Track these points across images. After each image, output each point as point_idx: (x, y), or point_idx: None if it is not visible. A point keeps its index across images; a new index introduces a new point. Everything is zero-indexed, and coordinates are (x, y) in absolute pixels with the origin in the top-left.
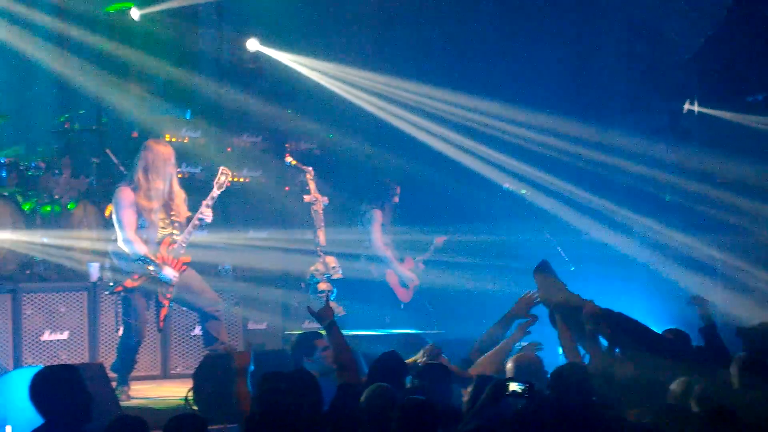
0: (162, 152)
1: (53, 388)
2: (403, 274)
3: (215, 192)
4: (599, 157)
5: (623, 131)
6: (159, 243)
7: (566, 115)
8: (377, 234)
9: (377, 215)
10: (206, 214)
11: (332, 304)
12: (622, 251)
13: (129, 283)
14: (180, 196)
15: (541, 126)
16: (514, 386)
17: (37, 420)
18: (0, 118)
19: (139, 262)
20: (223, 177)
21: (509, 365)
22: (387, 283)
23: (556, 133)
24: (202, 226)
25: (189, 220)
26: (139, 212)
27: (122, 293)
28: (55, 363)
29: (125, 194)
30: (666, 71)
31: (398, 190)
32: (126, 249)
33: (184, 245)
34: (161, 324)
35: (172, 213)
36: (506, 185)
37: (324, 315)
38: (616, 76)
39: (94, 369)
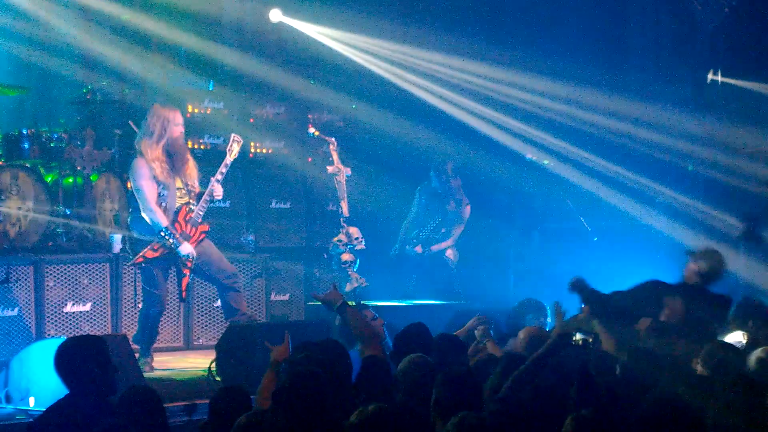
0: (166, 116)
1: (79, 358)
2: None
3: (228, 160)
4: (622, 127)
5: (647, 101)
6: (177, 212)
7: (590, 85)
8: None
9: (467, 212)
10: (217, 191)
11: (354, 274)
12: (645, 221)
13: (149, 253)
14: (191, 164)
15: (565, 96)
16: (578, 337)
17: (61, 391)
18: (21, 91)
19: (160, 234)
20: (236, 145)
21: (521, 335)
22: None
23: (580, 103)
24: (214, 201)
25: (199, 195)
26: (158, 180)
27: (143, 264)
28: (78, 334)
29: (142, 163)
30: (690, 41)
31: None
32: (148, 218)
33: (201, 213)
34: (183, 294)
35: (189, 184)
36: (529, 155)
37: (332, 299)
38: (640, 46)
39: (116, 340)
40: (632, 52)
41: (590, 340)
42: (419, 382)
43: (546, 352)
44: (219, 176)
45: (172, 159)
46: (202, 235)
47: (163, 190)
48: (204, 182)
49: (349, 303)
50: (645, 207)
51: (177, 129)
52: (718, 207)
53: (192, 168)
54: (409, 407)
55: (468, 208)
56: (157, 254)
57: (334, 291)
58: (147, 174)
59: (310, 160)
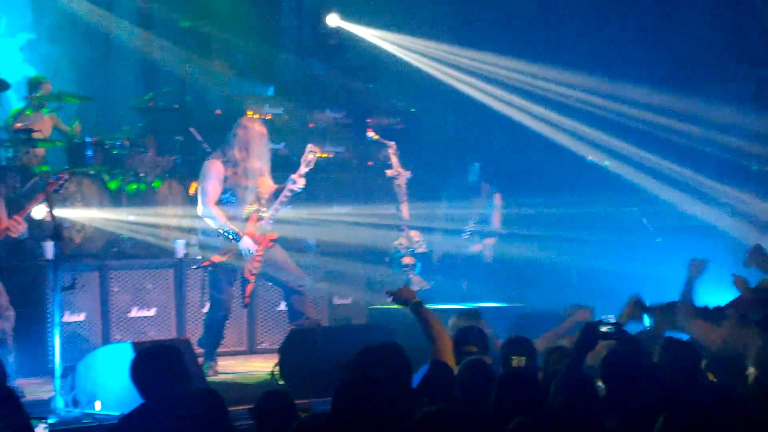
0: (258, 131)
1: (154, 368)
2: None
3: (303, 169)
4: (684, 127)
5: (708, 100)
6: (246, 219)
7: (650, 85)
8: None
9: (497, 199)
10: (299, 183)
11: (416, 278)
12: (708, 221)
13: (216, 258)
14: (268, 178)
15: (626, 97)
16: (605, 328)
17: (126, 396)
18: (84, 100)
19: (219, 232)
20: (311, 155)
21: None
22: (473, 254)
23: (641, 103)
24: (290, 200)
25: (275, 194)
26: (231, 188)
27: (209, 268)
28: (143, 339)
29: (215, 166)
30: (752, 38)
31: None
32: (203, 216)
33: (271, 221)
34: (247, 300)
35: (260, 192)
36: (590, 157)
37: (406, 297)
38: (701, 44)
39: (181, 344)
40: (693, 50)
41: (615, 327)
42: (477, 385)
43: (578, 346)
44: (287, 193)
45: (253, 168)
46: (271, 243)
47: (231, 196)
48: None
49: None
50: (708, 206)
51: (264, 141)
52: None
53: (266, 179)
54: (467, 410)
55: (497, 196)
56: (223, 259)
57: (408, 287)
58: (215, 176)
59: (370, 163)
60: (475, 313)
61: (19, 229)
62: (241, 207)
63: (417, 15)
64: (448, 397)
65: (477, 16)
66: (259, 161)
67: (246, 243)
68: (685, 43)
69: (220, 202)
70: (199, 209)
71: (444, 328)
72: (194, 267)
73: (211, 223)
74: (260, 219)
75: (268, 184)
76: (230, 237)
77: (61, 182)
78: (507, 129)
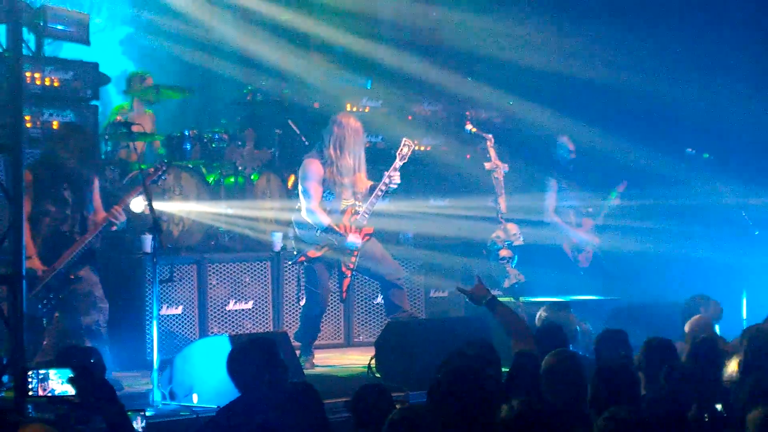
0: (353, 127)
1: (251, 362)
2: (581, 237)
3: (398, 163)
4: None
5: None
6: (342, 213)
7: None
8: (550, 203)
9: (552, 183)
10: (394, 178)
11: (513, 270)
12: None
13: (312, 253)
14: (364, 174)
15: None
16: None
17: (223, 389)
18: (185, 94)
19: (324, 233)
20: (406, 148)
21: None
22: (562, 253)
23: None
24: (387, 193)
25: (371, 189)
26: (327, 185)
27: (305, 263)
28: (240, 332)
29: (314, 166)
30: None
31: (564, 139)
32: (310, 219)
33: (366, 215)
34: (344, 294)
35: (356, 188)
36: (689, 149)
37: (480, 295)
38: None
39: (278, 338)
40: None
41: None
42: (565, 377)
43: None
44: (383, 187)
45: (347, 165)
46: (367, 237)
47: (329, 194)
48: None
49: (506, 299)
50: None
51: (359, 138)
52: None
53: (363, 176)
54: (555, 402)
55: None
56: (319, 254)
57: (480, 285)
58: (316, 176)
59: (468, 156)
60: (565, 306)
61: (119, 219)
62: (337, 202)
63: (516, 5)
64: (535, 389)
65: (576, 6)
66: (353, 159)
67: (352, 238)
68: None
69: (320, 202)
70: (303, 212)
71: (522, 321)
72: (290, 262)
73: (315, 223)
74: (356, 213)
75: (363, 181)
76: (335, 237)
77: (159, 173)
78: (605, 120)
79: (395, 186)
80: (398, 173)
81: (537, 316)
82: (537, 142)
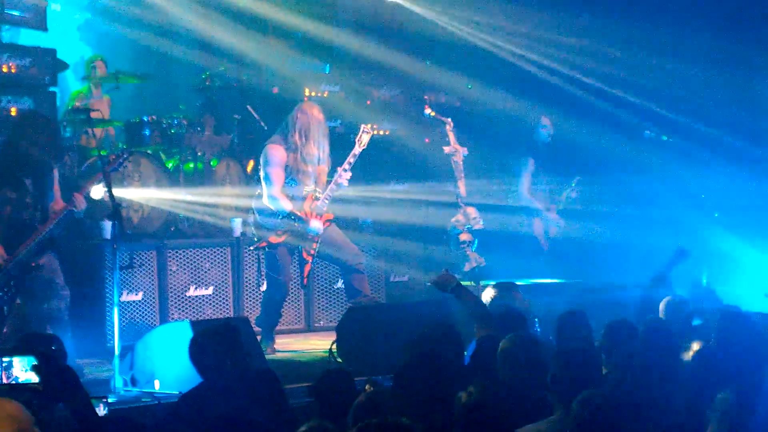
0: (316, 116)
1: (213, 348)
2: (552, 219)
3: (357, 150)
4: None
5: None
6: (303, 199)
7: (711, 61)
8: (525, 183)
9: (529, 163)
10: (344, 177)
11: (473, 254)
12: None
13: (273, 238)
14: (327, 164)
15: (683, 71)
16: None
17: (184, 375)
18: (142, 79)
19: (286, 218)
20: (365, 135)
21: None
22: (529, 233)
23: (702, 78)
24: (340, 186)
25: (330, 176)
26: (290, 172)
27: (266, 249)
28: (201, 318)
29: (277, 152)
30: None
31: (545, 120)
32: (271, 206)
33: (327, 201)
34: (305, 280)
35: (318, 175)
36: (647, 131)
37: (446, 282)
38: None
39: (239, 323)
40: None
41: None
42: (521, 360)
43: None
44: (347, 165)
45: (311, 153)
46: (327, 223)
47: (291, 180)
48: (333, 167)
49: (467, 283)
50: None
51: (322, 128)
52: None
53: (326, 163)
54: (512, 385)
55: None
56: (280, 240)
57: (447, 274)
58: (279, 162)
59: (427, 141)
60: (511, 286)
61: (80, 206)
62: (299, 188)
63: None
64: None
65: None
66: (317, 148)
67: (314, 224)
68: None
69: (281, 188)
70: (265, 198)
71: (485, 306)
72: (251, 248)
73: (277, 209)
74: (316, 199)
75: (326, 167)
76: (296, 224)
77: (119, 160)
78: (566, 105)
79: (345, 183)
80: (349, 174)
81: (484, 294)
82: (496, 125)
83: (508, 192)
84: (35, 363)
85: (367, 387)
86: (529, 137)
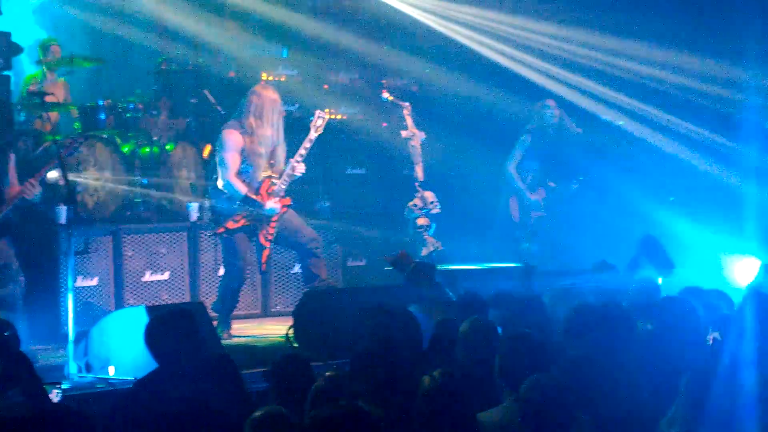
0: (270, 98)
1: (169, 335)
2: (531, 199)
3: (312, 135)
4: (695, 84)
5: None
6: (259, 184)
7: (669, 45)
8: (516, 156)
9: (526, 138)
10: (298, 168)
11: (430, 238)
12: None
13: (231, 224)
14: (282, 146)
15: (639, 55)
16: None
17: (139, 361)
18: (95, 62)
19: (242, 203)
20: (320, 120)
21: None
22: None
23: (656, 62)
24: (295, 177)
25: (286, 162)
26: (246, 156)
27: (224, 235)
28: (157, 303)
29: (233, 136)
30: None
31: (551, 103)
32: (227, 190)
33: (284, 186)
34: (263, 266)
35: (271, 161)
36: (605, 116)
37: (403, 262)
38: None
39: (195, 308)
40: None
41: None
42: (480, 344)
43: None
44: (303, 151)
45: (265, 136)
46: (284, 208)
47: (247, 166)
48: (289, 152)
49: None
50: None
51: (277, 109)
52: None
53: (282, 154)
54: (472, 369)
55: None
56: (238, 225)
57: (404, 253)
58: (235, 146)
59: (384, 125)
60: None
61: (33, 192)
62: (255, 173)
63: None
64: (454, 356)
65: None
66: (272, 129)
67: (271, 204)
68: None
69: (237, 173)
70: (220, 182)
71: (443, 289)
72: (209, 233)
73: (232, 193)
74: (273, 184)
75: (282, 158)
76: (253, 207)
77: (75, 145)
78: (524, 90)
79: (299, 172)
80: (303, 165)
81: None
82: (454, 110)
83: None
84: None
85: (327, 374)
86: (538, 118)
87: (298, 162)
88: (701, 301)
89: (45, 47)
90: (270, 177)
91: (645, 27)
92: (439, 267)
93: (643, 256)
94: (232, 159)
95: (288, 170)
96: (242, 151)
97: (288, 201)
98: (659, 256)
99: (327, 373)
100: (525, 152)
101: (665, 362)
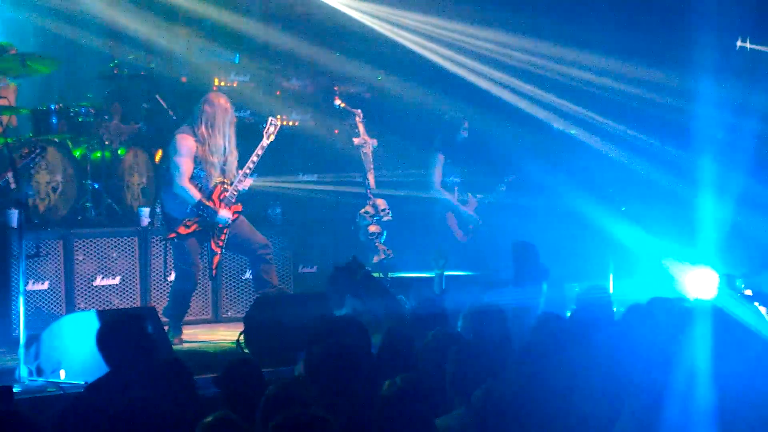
0: (223, 107)
1: (120, 338)
2: (465, 213)
3: (265, 142)
4: (645, 93)
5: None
6: (211, 190)
7: (616, 53)
8: (437, 176)
9: (439, 158)
10: (245, 183)
11: (381, 246)
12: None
13: (182, 229)
14: (234, 155)
15: (591, 64)
16: None
17: (90, 365)
18: (52, 65)
19: (194, 208)
20: (272, 127)
21: None
22: (444, 224)
23: (605, 71)
24: (256, 168)
25: (238, 168)
26: (198, 162)
27: (175, 240)
28: (108, 308)
29: (187, 142)
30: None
31: (466, 125)
32: (180, 195)
33: (235, 193)
34: (214, 272)
35: (224, 166)
36: (556, 125)
37: (355, 269)
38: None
39: (147, 313)
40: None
41: None
42: (441, 355)
43: None
44: (255, 158)
45: (217, 145)
46: (236, 215)
47: (200, 171)
48: (241, 158)
49: (375, 275)
50: (676, 176)
51: (229, 118)
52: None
53: (233, 154)
54: (432, 377)
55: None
56: (190, 230)
57: (355, 261)
58: (188, 152)
59: (336, 132)
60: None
61: None
62: (207, 180)
63: None
64: (406, 364)
65: None
66: (223, 138)
67: (223, 213)
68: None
69: (190, 178)
70: (174, 187)
71: (393, 297)
72: (160, 239)
73: (186, 198)
74: (225, 191)
75: (233, 167)
76: (205, 213)
77: (33, 156)
78: (476, 99)
79: (245, 189)
80: (250, 180)
81: None
82: (406, 117)
83: (420, 183)
84: None
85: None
86: (447, 133)
87: (247, 174)
88: (667, 310)
89: (1, 51)
90: (222, 183)
91: (599, 37)
92: (390, 275)
93: (518, 264)
94: (185, 164)
95: (236, 182)
96: (195, 157)
97: (239, 207)
98: (533, 264)
99: (280, 379)
100: (443, 169)
101: (619, 375)
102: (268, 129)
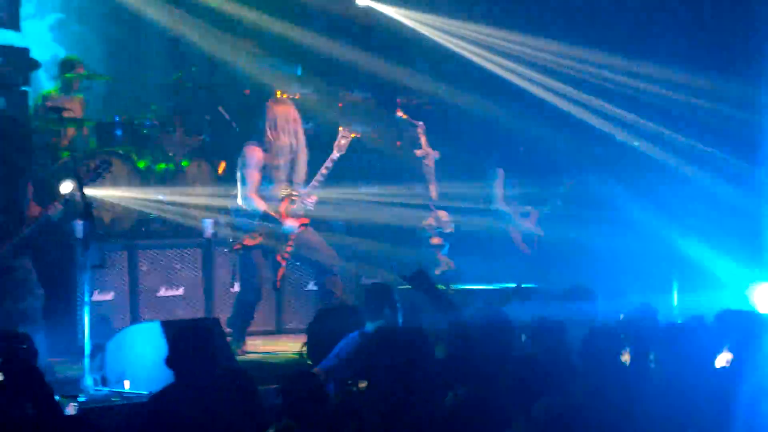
0: (282, 107)
1: (186, 349)
2: (528, 228)
3: (335, 154)
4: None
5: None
6: (279, 201)
7: (683, 65)
8: (498, 191)
9: (499, 172)
10: (311, 200)
11: (444, 258)
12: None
13: (248, 241)
14: (303, 152)
15: (656, 77)
16: None
17: (154, 375)
18: (101, 77)
19: (261, 220)
20: (344, 140)
21: None
22: (507, 237)
23: (673, 84)
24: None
25: (307, 181)
26: (266, 171)
27: (241, 251)
28: (172, 319)
29: (254, 153)
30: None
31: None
32: (246, 206)
33: (302, 206)
34: (278, 284)
35: (292, 175)
36: (620, 137)
37: (421, 281)
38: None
39: (210, 324)
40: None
41: None
42: (501, 368)
43: None
44: (324, 170)
45: (283, 145)
46: (303, 227)
47: (267, 182)
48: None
49: (439, 286)
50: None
51: (291, 119)
52: None
53: (302, 164)
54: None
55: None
56: (255, 242)
57: (421, 272)
58: (255, 163)
59: (398, 144)
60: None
61: (57, 210)
62: (275, 189)
63: None
64: (469, 375)
65: None
66: (289, 138)
67: (289, 222)
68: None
69: (257, 189)
70: (240, 198)
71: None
72: (226, 250)
73: (251, 209)
74: (292, 203)
75: (303, 169)
76: (271, 225)
77: (99, 170)
78: (539, 111)
79: (311, 205)
80: (315, 196)
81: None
82: (468, 128)
83: (483, 196)
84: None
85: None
86: (505, 147)
87: (316, 186)
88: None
89: (69, 65)
90: (290, 195)
91: (664, 48)
92: (453, 286)
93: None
94: (251, 175)
95: (304, 195)
96: (264, 168)
97: (306, 220)
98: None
99: (345, 390)
100: (504, 185)
101: (678, 392)
102: (339, 142)
